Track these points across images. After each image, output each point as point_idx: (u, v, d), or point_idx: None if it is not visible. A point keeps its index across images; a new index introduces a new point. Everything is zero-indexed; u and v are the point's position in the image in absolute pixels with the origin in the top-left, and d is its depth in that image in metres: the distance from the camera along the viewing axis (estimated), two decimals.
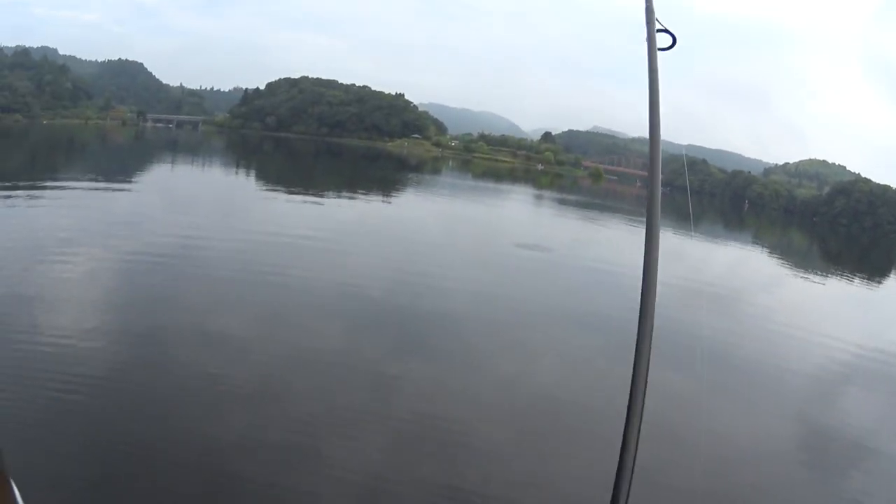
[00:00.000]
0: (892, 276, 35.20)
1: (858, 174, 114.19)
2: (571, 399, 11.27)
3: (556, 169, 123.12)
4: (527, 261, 22.85)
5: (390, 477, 7.98)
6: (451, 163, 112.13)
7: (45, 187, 26.58)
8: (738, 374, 13.52)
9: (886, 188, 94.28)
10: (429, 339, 13.34)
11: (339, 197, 35.75)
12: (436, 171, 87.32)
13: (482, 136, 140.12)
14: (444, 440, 9.18)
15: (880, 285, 32.94)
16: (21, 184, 26.26)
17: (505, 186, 70.82)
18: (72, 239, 17.40)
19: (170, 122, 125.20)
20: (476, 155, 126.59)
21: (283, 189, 37.31)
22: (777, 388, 13.40)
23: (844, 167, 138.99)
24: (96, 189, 28.12)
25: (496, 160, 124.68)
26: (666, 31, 3.25)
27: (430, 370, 11.71)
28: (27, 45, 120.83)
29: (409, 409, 9.96)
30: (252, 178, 45.12)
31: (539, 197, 59.39)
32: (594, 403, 11.08)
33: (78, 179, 29.90)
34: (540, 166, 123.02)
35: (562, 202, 51.03)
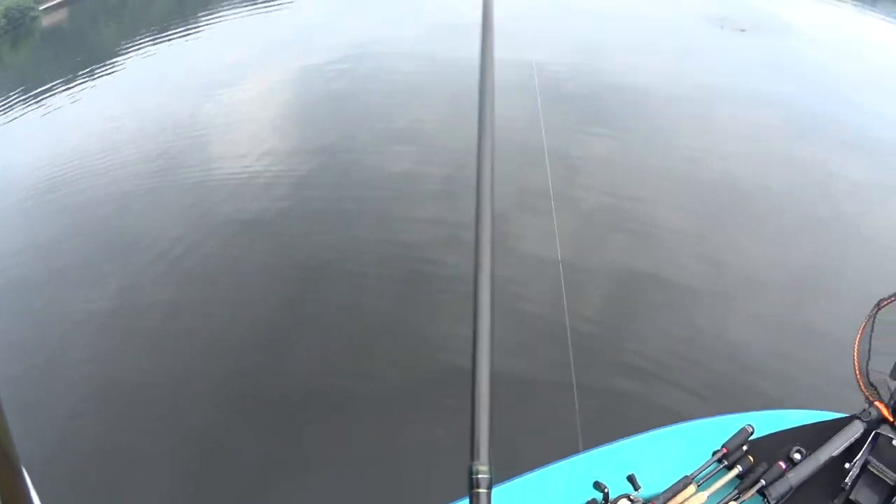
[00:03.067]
0: None
1: None
2: (752, 181, 11.15)
3: None
4: (716, 37, 20.77)
5: (574, 255, 8.50)
6: None
7: (199, 24, 26.35)
8: None
9: None
10: (610, 114, 13.25)
11: None
12: None
13: None
14: (626, 218, 9.62)
15: None
16: (172, 29, 26.11)
17: None
18: (240, 68, 17.47)
19: None
20: None
21: None
22: None
23: None
24: (257, 11, 27.39)
25: None
26: None
27: (612, 146, 11.92)
28: None
29: (591, 185, 10.41)
30: None
31: None
32: (777, 187, 11.04)
33: (235, 6, 29.23)
34: None
35: None
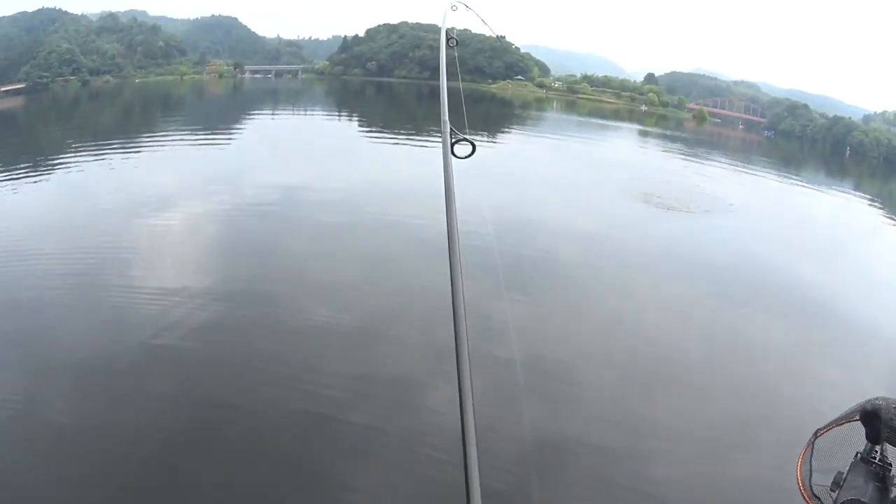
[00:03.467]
0: None
1: None
2: (672, 345, 11.35)
3: (660, 110, 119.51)
4: (636, 210, 21.70)
5: (492, 416, 8.02)
6: (555, 104, 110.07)
7: (140, 144, 26.77)
8: (835, 328, 13.34)
9: None
10: (533, 282, 13.45)
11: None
12: (541, 110, 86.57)
13: (585, 77, 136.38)
14: (546, 382, 9.46)
15: None
16: (115, 142, 26.41)
17: (612, 123, 70.50)
18: (170, 195, 17.41)
19: (268, 72, 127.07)
20: (580, 96, 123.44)
21: (387, 132, 36.75)
22: (872, 343, 12.84)
23: None
24: (195, 143, 28.11)
25: (600, 101, 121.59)
26: (465, 139, 3.44)
27: (534, 311, 12.03)
28: (113, 10, 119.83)
29: (513, 348, 10.21)
30: (355, 123, 44.82)
31: (645, 135, 58.11)
32: (694, 351, 11.27)
33: (175, 134, 30.13)
34: (644, 107, 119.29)
35: (666, 148, 48.48)
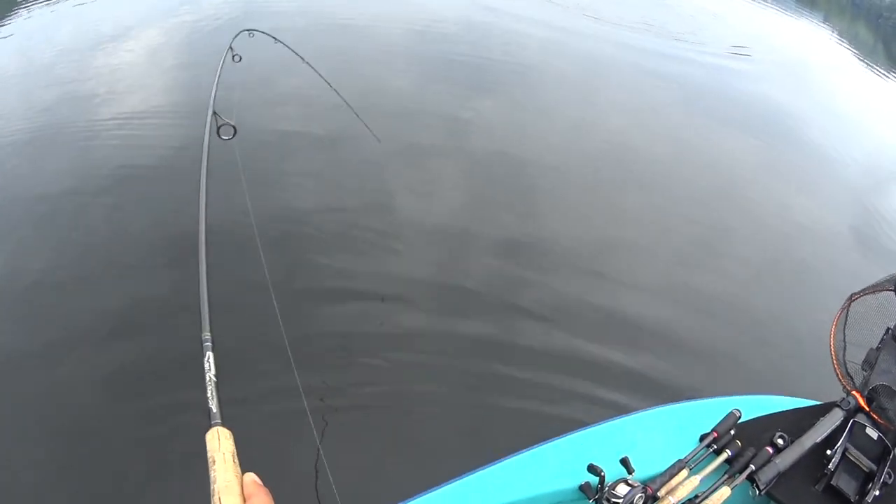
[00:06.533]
0: None
1: None
2: (642, 147, 11.03)
3: None
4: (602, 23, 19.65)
5: (465, 224, 7.79)
6: None
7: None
8: (803, 154, 12.94)
9: None
10: (499, 84, 12.81)
11: None
12: None
13: None
14: (517, 186, 8.97)
15: None
16: None
17: None
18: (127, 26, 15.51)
19: None
20: None
21: None
22: (838, 171, 12.58)
23: None
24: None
25: None
26: (229, 123, 3.68)
27: (499, 112, 11.44)
28: None
29: (482, 149, 9.76)
30: None
31: None
32: (664, 153, 11.01)
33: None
34: None
35: None
